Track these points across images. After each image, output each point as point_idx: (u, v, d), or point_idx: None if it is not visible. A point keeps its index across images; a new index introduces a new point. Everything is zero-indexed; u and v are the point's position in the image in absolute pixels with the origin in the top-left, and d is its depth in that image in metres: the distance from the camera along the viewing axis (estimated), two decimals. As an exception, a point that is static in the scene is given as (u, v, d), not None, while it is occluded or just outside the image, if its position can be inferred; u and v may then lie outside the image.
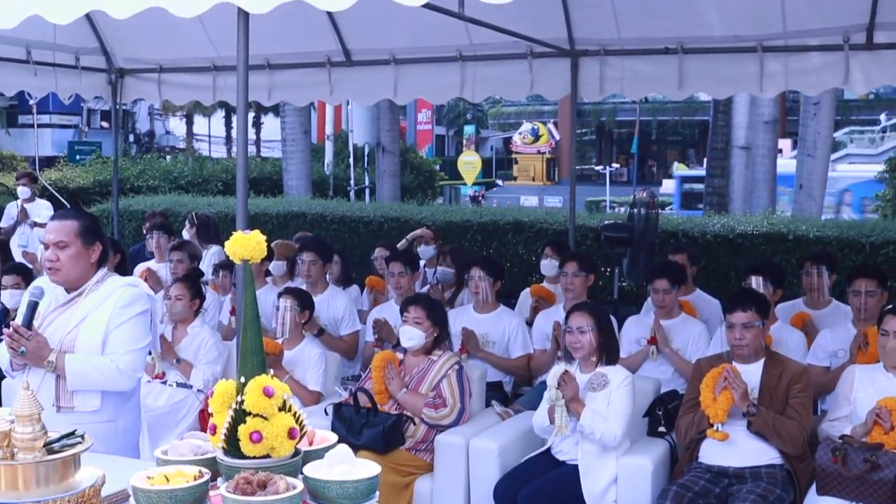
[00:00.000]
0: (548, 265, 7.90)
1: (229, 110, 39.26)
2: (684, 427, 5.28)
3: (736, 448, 5.07)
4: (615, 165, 46.95)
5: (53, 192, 15.49)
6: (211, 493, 2.19)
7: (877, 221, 12.61)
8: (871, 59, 7.40)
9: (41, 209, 11.59)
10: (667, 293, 6.53)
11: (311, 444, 2.48)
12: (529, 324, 7.15)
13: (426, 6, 4.28)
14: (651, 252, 8.38)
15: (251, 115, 36.72)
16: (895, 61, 7.37)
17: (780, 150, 22.92)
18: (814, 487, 4.85)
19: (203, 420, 6.02)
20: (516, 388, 6.90)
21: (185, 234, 9.27)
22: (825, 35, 7.40)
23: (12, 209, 11.71)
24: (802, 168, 14.63)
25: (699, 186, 23.15)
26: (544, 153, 52.39)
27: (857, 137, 43.29)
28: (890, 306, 5.34)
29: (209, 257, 8.68)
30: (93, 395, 4.12)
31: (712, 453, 5.15)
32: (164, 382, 6.39)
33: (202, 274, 7.65)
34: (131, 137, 43.53)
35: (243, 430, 2.21)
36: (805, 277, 6.84)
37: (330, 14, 8.26)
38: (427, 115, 44.02)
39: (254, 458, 2.20)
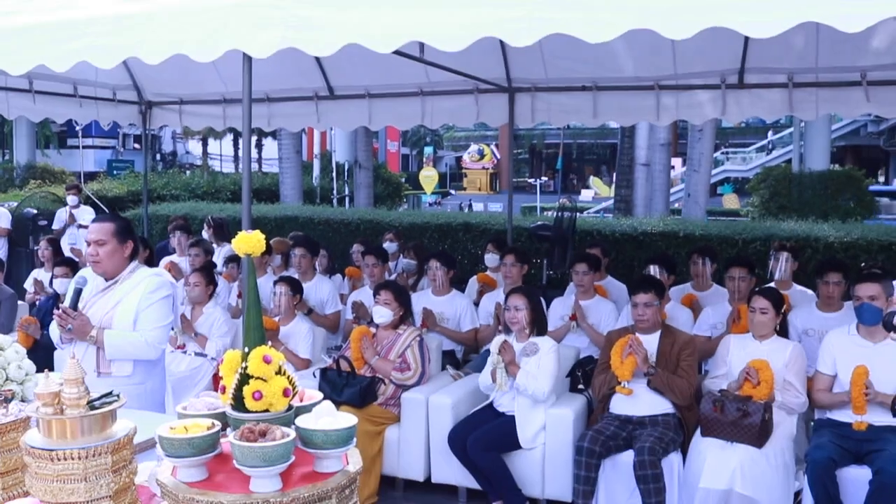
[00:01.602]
0: (490, 258, 7.92)
1: (237, 134, 38.94)
2: (598, 385, 5.31)
3: (639, 401, 5.12)
4: (544, 178, 47.05)
5: (95, 200, 15.32)
6: (221, 440, 2.18)
7: (747, 223, 12.83)
8: (743, 95, 7.51)
9: (85, 214, 11.50)
10: (585, 274, 6.56)
11: (301, 400, 2.46)
12: (476, 304, 7.15)
13: (395, 52, 4.25)
14: (571, 247, 8.42)
15: (254, 138, 36.44)
16: (761, 97, 7.49)
17: (673, 167, 23.08)
18: (699, 431, 4.90)
19: (216, 382, 5.95)
20: (466, 355, 6.89)
21: (204, 234, 9.17)
22: (707, 77, 7.49)
23: (62, 214, 11.67)
24: (690, 181, 14.77)
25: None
26: (488, 169, 52.47)
27: (732, 157, 44.02)
28: (757, 289, 5.42)
29: (222, 253, 8.61)
30: (126, 363, 4.09)
31: (620, 405, 5.19)
32: (185, 352, 6.33)
33: (215, 265, 7.58)
34: (158, 156, 43.15)
35: (247, 390, 2.19)
36: (692, 266, 6.92)
37: (317, 58, 8.21)
38: (395, 146, 43.71)
39: (255, 412, 2.20)
